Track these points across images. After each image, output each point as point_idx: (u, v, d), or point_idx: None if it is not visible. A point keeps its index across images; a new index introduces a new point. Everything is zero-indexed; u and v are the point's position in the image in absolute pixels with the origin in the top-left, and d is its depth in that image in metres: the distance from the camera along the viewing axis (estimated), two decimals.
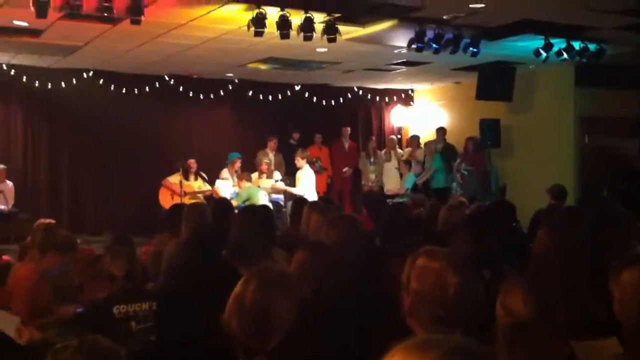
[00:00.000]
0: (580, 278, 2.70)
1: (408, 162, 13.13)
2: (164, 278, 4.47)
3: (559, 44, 9.52)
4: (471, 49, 9.11)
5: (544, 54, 9.57)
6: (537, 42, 9.44)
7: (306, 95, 13.93)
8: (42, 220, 5.65)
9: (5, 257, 6.28)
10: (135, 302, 3.67)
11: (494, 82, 11.87)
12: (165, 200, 11.22)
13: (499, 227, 4.56)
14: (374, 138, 14.26)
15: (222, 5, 7.56)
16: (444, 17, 8.40)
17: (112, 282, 3.94)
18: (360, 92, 14.70)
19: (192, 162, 11.60)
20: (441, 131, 13.48)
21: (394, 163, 13.45)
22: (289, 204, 10.35)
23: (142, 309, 3.67)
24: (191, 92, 12.92)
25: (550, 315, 2.19)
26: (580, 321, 2.44)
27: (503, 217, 5.17)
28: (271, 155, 12.27)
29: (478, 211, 5.14)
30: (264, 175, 11.43)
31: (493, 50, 9.93)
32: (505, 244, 4.19)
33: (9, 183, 10.71)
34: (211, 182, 11.55)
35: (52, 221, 5.32)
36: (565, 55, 9.72)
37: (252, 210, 5.06)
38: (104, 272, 3.99)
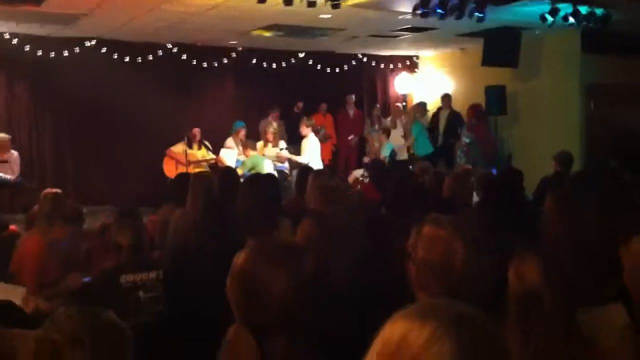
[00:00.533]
0: (589, 248, 2.69)
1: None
2: (172, 253, 4.47)
3: (565, 8, 9.40)
4: (477, 14, 9.02)
5: (550, 19, 9.46)
6: (544, 6, 9.32)
7: (310, 62, 13.83)
8: (49, 190, 5.65)
9: (12, 227, 6.29)
10: (142, 272, 3.68)
11: (500, 47, 11.75)
12: (170, 169, 11.22)
13: (506, 195, 4.54)
14: (378, 106, 14.19)
15: None
16: None
17: (119, 253, 3.94)
18: (365, 59, 14.58)
19: (197, 131, 11.59)
20: (446, 98, 13.40)
21: (399, 131, 13.39)
22: (295, 172, 10.34)
23: (149, 278, 3.69)
24: (194, 61, 12.84)
25: (562, 285, 2.19)
26: (589, 291, 2.44)
27: (510, 185, 5.15)
28: (275, 124, 12.25)
29: (485, 179, 5.11)
30: (270, 144, 11.41)
31: (499, 16, 9.83)
32: (511, 212, 4.18)
33: (14, 152, 10.69)
34: (215, 151, 11.53)
35: (59, 191, 5.30)
36: (571, 20, 9.60)
37: (258, 179, 5.06)
38: (111, 242, 3.99)
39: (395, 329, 1.19)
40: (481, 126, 12.37)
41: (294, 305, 2.02)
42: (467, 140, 12.19)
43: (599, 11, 9.73)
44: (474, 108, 12.47)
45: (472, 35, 11.59)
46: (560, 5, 9.26)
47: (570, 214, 2.84)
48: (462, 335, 1.13)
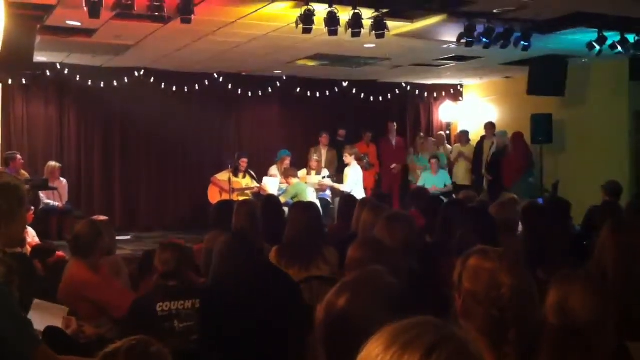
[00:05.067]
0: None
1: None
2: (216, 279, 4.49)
3: (613, 37, 9.29)
4: (522, 43, 8.96)
5: (597, 48, 9.34)
6: (591, 35, 9.22)
7: (354, 91, 13.89)
8: (96, 217, 5.74)
9: (59, 253, 6.40)
10: (178, 300, 3.66)
11: (546, 76, 11.65)
12: (214, 197, 11.31)
13: (554, 225, 4.46)
14: (422, 134, 14.15)
15: (271, 3, 7.58)
16: (495, 11, 8.27)
17: (158, 280, 3.96)
18: (409, 87, 14.60)
19: (244, 161, 11.60)
20: (490, 126, 13.29)
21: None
22: (337, 200, 10.34)
23: (185, 307, 3.66)
24: (240, 90, 13.02)
25: (608, 319, 2.13)
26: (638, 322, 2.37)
27: (558, 215, 5.07)
28: (323, 152, 12.29)
29: (532, 209, 5.03)
30: (313, 172, 11.44)
31: (545, 44, 9.76)
32: (559, 243, 4.10)
33: (63, 180, 10.96)
34: (259, 179, 11.61)
35: (106, 218, 5.39)
36: (619, 48, 9.47)
37: (303, 207, 5.07)
38: (153, 269, 4.01)
39: (379, 356, 1.13)
40: (518, 153, 12.29)
41: None
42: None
43: None
44: (515, 136, 12.44)
45: (517, 63, 11.51)
46: (607, 34, 9.15)
47: (623, 244, 2.78)
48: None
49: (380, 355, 1.13)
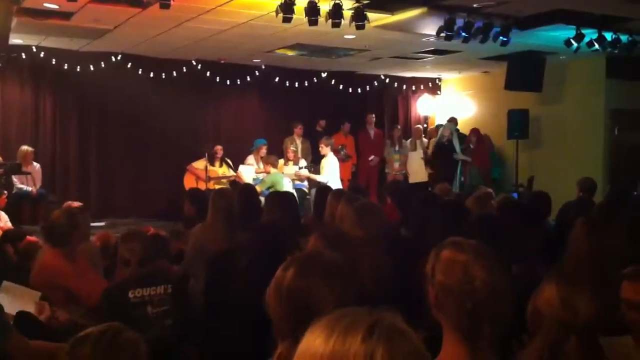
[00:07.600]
0: (612, 276, 2.65)
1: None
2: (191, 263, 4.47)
3: (590, 34, 9.38)
4: (501, 38, 9.01)
5: (575, 45, 9.44)
6: (569, 32, 9.32)
7: (333, 82, 13.88)
8: (70, 203, 5.68)
9: (30, 238, 6.33)
10: (150, 286, 3.67)
11: (524, 72, 11.74)
12: (190, 185, 11.26)
13: (529, 220, 4.49)
14: (399, 127, 14.17)
15: None
16: (475, 5, 8.31)
17: (127, 267, 3.94)
18: (387, 80, 14.61)
19: (219, 149, 11.65)
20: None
21: (419, 152, 13.35)
22: (313, 191, 10.33)
23: (157, 293, 3.67)
24: (218, 78, 12.94)
25: (606, 317, 2.17)
26: (610, 319, 2.40)
27: (535, 210, 5.11)
28: (298, 142, 12.28)
29: (508, 203, 5.06)
30: (290, 162, 11.43)
31: (523, 40, 9.82)
32: (534, 238, 4.13)
33: (36, 165, 10.80)
34: (236, 168, 11.58)
35: (80, 204, 5.33)
36: (596, 46, 9.58)
37: (281, 197, 5.06)
38: (120, 257, 3.98)
39: (321, 346, 1.19)
40: (481, 149, 12.42)
41: None
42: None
43: (624, 37, 9.70)
44: (473, 132, 12.57)
45: (496, 58, 11.58)
46: (585, 31, 9.23)
47: (597, 241, 2.81)
48: (392, 344, 1.18)
49: (322, 345, 1.19)
